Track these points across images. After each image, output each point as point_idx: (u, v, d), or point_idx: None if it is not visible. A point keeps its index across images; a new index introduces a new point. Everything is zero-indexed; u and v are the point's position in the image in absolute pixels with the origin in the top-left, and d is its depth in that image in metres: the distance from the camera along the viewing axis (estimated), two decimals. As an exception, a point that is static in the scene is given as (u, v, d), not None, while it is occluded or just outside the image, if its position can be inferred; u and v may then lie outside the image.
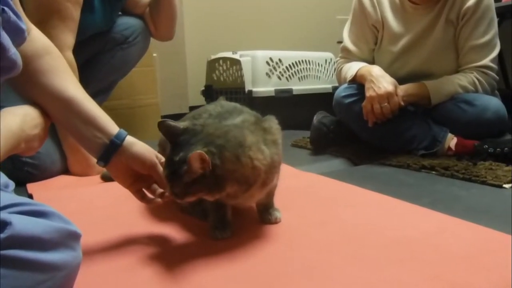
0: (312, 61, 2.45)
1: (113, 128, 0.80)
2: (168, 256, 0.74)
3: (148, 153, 0.80)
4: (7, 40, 0.58)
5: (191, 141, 0.72)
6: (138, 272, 0.68)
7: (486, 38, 1.46)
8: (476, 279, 0.64)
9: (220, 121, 0.79)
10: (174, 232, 0.85)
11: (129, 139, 0.80)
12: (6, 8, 0.59)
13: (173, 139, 0.74)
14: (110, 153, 0.78)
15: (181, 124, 0.75)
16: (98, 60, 1.57)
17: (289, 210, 0.92)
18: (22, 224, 0.52)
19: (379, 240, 0.78)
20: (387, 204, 1.00)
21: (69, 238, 0.58)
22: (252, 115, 0.82)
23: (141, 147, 0.80)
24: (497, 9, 1.58)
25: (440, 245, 0.75)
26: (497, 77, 1.50)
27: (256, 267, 0.69)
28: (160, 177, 0.79)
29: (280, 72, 2.32)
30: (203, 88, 2.51)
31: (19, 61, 0.63)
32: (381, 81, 1.39)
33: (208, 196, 0.74)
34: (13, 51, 0.60)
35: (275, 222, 0.87)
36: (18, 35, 0.64)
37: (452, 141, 1.42)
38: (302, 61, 2.40)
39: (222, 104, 0.90)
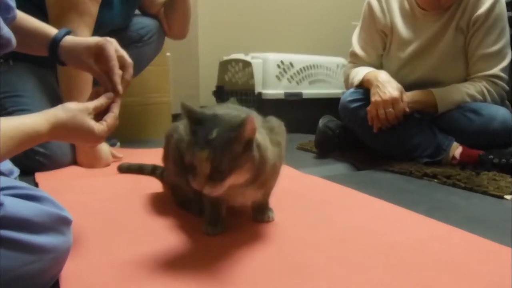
0: (323, 66, 2.45)
1: (54, 30, 0.91)
2: (159, 247, 0.75)
3: (90, 39, 0.89)
4: None
5: (217, 122, 0.69)
6: (127, 260, 0.70)
7: (497, 47, 1.45)
8: (460, 286, 0.64)
9: None
10: (169, 225, 0.86)
11: (70, 37, 0.91)
12: None
13: (197, 123, 0.70)
14: (55, 48, 0.88)
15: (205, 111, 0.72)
16: None
17: (284, 211, 0.93)
18: (13, 206, 0.54)
19: (368, 244, 0.78)
20: (383, 209, 1.00)
21: (59, 223, 0.60)
22: (258, 116, 0.84)
23: (81, 39, 0.91)
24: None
25: (430, 252, 0.75)
26: (507, 87, 1.48)
27: (242, 264, 0.70)
28: (108, 53, 0.85)
29: (290, 75, 2.33)
30: (214, 89, 2.54)
31: (13, 38, 0.64)
32: (386, 87, 1.39)
33: (247, 172, 0.71)
34: (5, 29, 0.62)
35: (268, 221, 0.88)
36: (8, 13, 0.66)
37: (457, 150, 1.41)
38: (314, 65, 2.41)
39: (229, 105, 0.92)
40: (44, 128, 0.68)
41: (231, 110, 0.80)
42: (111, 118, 0.79)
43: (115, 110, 0.81)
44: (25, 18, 0.90)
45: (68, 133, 0.72)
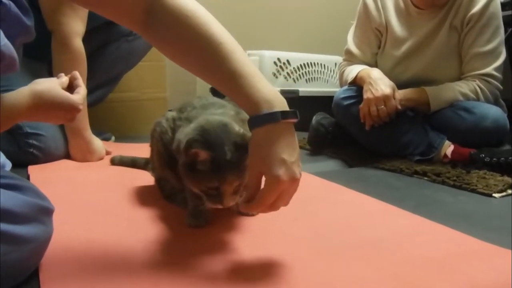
0: (320, 64, 2.45)
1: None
2: (140, 238, 0.76)
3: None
4: None
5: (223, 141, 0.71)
6: (107, 251, 0.71)
7: (491, 46, 1.45)
8: (438, 281, 0.64)
9: (203, 111, 0.83)
10: (153, 217, 0.87)
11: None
12: (6, 1, 0.60)
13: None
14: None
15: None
16: (104, 51, 1.61)
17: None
18: None
19: (349, 238, 0.79)
20: (369, 204, 1.00)
21: (40, 213, 0.61)
22: (232, 109, 0.85)
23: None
24: (508, 17, 1.56)
25: (410, 247, 0.75)
26: (500, 87, 1.48)
27: (223, 255, 0.71)
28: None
29: (287, 72, 2.33)
30: (211, 86, 2.54)
31: (10, 54, 0.60)
32: (379, 84, 1.39)
33: None
34: (3, 43, 0.58)
35: (252, 214, 0.88)
36: (20, 30, 0.64)
37: (448, 148, 1.41)
38: (311, 63, 2.41)
39: (207, 98, 0.94)
40: (23, 101, 0.68)
41: (213, 106, 0.82)
42: (81, 89, 0.81)
43: (82, 85, 0.83)
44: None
45: (46, 104, 0.73)
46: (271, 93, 0.64)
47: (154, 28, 0.67)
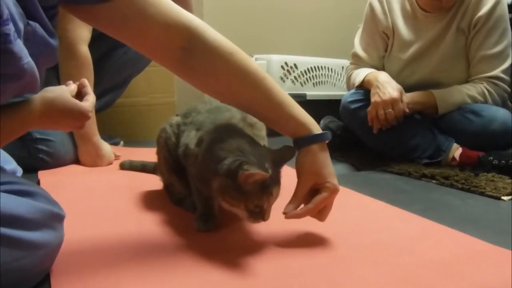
0: (328, 68, 2.46)
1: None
2: (150, 242, 0.77)
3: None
4: (22, 50, 0.57)
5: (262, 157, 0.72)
6: (117, 255, 0.72)
7: (498, 48, 1.44)
8: (446, 284, 0.64)
9: (209, 116, 0.84)
10: (162, 221, 0.88)
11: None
12: (31, 22, 0.60)
13: None
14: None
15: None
16: (112, 55, 1.63)
17: (277, 208, 0.93)
18: (6, 203, 0.55)
19: (357, 241, 0.79)
20: (377, 208, 1.00)
21: (51, 219, 0.62)
22: (238, 112, 0.86)
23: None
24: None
25: (418, 250, 0.75)
26: (508, 89, 1.47)
27: (231, 259, 0.71)
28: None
29: (294, 76, 2.33)
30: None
31: (32, 72, 0.60)
32: (386, 87, 1.39)
33: None
34: (26, 60, 0.58)
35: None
36: (45, 50, 0.65)
37: (457, 151, 1.40)
38: (318, 67, 2.41)
39: (211, 102, 0.95)
40: (35, 109, 0.69)
41: (218, 111, 0.82)
42: (90, 96, 0.83)
43: (90, 92, 0.84)
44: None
45: (57, 112, 0.74)
46: (311, 117, 0.76)
47: (193, 64, 0.72)
